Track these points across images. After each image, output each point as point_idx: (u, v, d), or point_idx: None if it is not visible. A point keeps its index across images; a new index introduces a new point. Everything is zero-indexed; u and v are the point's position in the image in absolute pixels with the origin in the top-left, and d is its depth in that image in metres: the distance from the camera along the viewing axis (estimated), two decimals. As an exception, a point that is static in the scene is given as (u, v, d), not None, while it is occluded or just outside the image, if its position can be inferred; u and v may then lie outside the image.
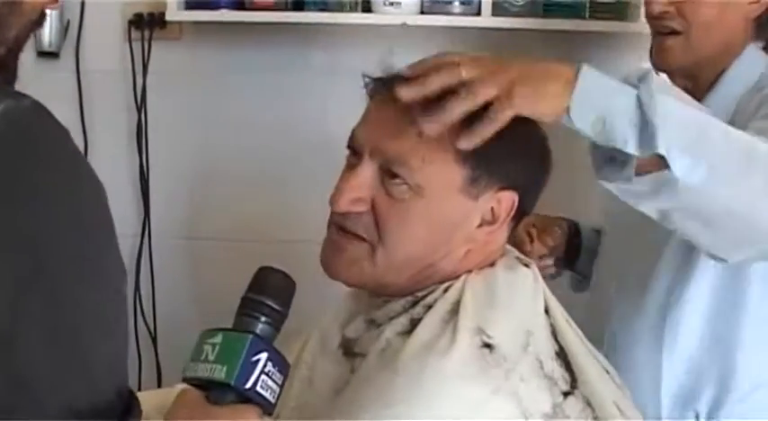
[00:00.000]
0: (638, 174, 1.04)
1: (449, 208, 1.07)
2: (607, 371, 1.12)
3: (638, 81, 1.02)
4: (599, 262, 1.63)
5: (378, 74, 1.11)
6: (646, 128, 0.99)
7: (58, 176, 0.75)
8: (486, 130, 0.99)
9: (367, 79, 1.13)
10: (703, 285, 1.41)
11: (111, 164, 2.15)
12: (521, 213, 1.12)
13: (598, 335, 1.43)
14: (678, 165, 1.01)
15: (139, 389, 2.08)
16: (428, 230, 1.07)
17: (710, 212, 1.10)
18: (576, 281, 1.72)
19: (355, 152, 1.10)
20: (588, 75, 1.01)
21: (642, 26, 1.95)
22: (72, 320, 0.73)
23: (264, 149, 2.14)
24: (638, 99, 1.00)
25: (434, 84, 0.99)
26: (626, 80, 1.03)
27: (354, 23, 1.98)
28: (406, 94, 0.99)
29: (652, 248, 1.45)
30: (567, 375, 1.04)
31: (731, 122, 1.16)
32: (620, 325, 1.49)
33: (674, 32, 1.43)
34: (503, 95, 0.98)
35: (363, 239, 1.08)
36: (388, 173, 1.06)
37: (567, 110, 1.00)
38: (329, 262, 1.11)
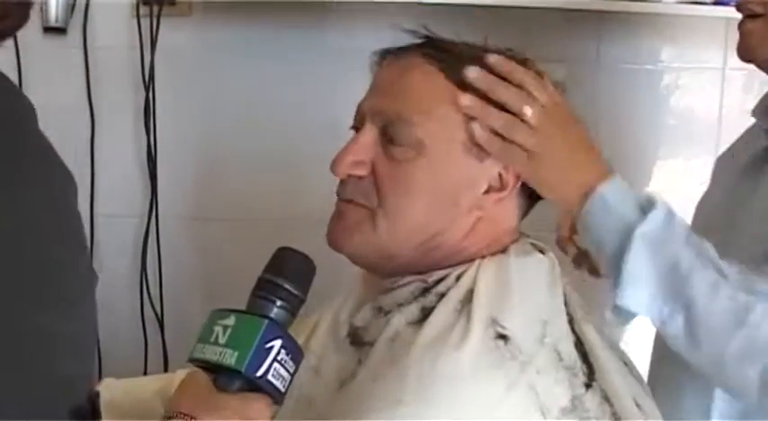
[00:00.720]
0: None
1: (452, 168, 1.04)
2: (626, 364, 1.08)
3: (642, 214, 1.04)
4: None
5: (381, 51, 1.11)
6: (619, 277, 1.04)
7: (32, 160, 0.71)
8: (494, 146, 1.03)
9: (374, 57, 1.11)
10: None
11: (118, 142, 2.12)
12: (532, 191, 1.08)
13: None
14: (644, 309, 1.06)
15: (145, 372, 2.08)
16: (431, 193, 1.04)
17: (699, 363, 1.11)
18: None
19: (359, 125, 1.08)
20: (601, 199, 1.04)
21: (663, 6, 1.92)
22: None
23: (273, 129, 2.10)
24: (624, 243, 1.04)
25: (501, 95, 1.03)
26: (639, 202, 1.06)
27: (369, 1, 1.93)
28: (475, 76, 1.02)
29: None
30: (584, 367, 1.00)
31: None
32: (671, 362, 1.31)
33: (755, 15, 1.26)
34: (529, 158, 1.04)
35: (363, 206, 1.05)
36: (389, 136, 1.04)
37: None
38: (331, 232, 1.08)
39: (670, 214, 1.06)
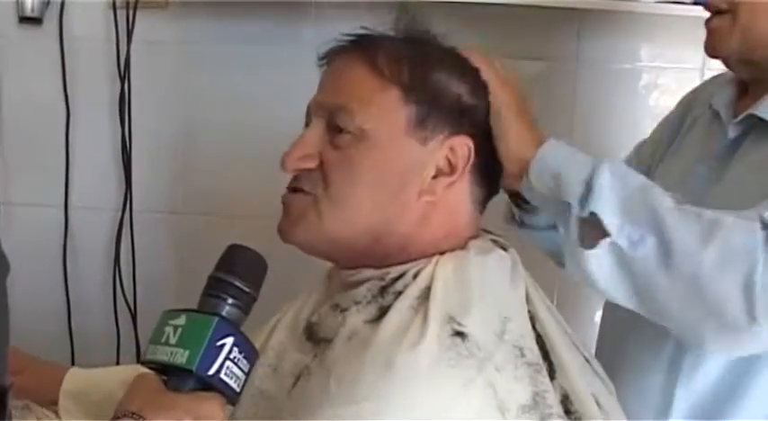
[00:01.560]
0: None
1: (395, 152, 1.05)
2: (588, 362, 1.08)
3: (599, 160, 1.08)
4: None
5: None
6: (588, 189, 1.05)
7: None
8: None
9: (319, 58, 1.15)
10: None
11: (92, 135, 2.10)
12: (485, 173, 1.09)
13: (608, 356, 1.35)
14: (619, 233, 1.04)
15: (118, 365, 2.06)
16: (376, 177, 1.04)
17: (674, 289, 1.06)
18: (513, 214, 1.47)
19: (308, 122, 1.11)
20: (561, 145, 1.11)
21: (642, 5, 1.92)
22: None
23: (250, 123, 2.08)
24: (594, 167, 1.06)
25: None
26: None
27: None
28: None
29: None
30: (545, 364, 1.00)
31: None
32: (635, 347, 1.35)
33: (720, 12, 1.29)
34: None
35: (307, 193, 1.06)
36: (334, 128, 1.05)
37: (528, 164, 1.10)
38: (281, 224, 1.09)
39: (619, 162, 1.14)
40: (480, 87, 1.10)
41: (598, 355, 1.22)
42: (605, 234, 1.05)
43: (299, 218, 1.06)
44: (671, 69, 2.14)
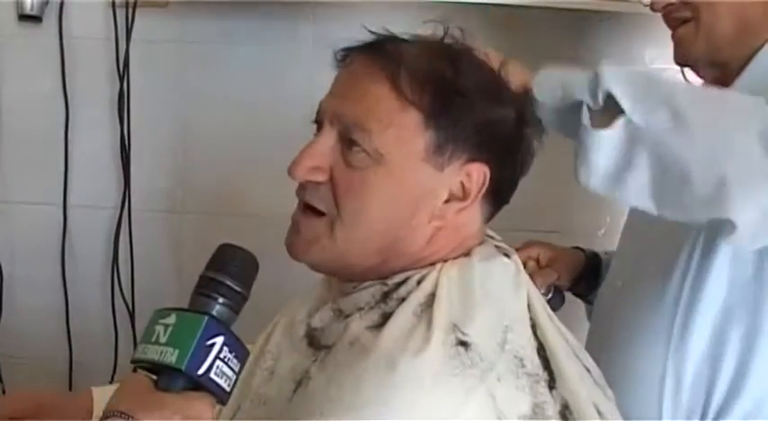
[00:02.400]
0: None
1: (411, 177, 1.02)
2: (588, 371, 1.07)
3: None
4: (612, 262, 1.55)
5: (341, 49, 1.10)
6: (596, 79, 1.08)
7: None
8: None
9: (336, 55, 1.10)
10: (721, 285, 1.30)
11: (92, 133, 2.11)
12: (497, 195, 1.07)
13: (599, 335, 1.38)
14: (632, 109, 1.07)
15: (115, 365, 2.07)
16: (389, 202, 1.02)
17: (691, 157, 1.08)
18: (590, 311, 1.62)
19: (319, 125, 1.07)
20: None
21: (641, 7, 1.90)
22: None
23: (249, 123, 2.08)
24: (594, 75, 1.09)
25: None
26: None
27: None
28: None
29: (669, 244, 1.35)
30: (546, 374, 0.99)
31: None
32: (624, 325, 1.39)
33: (684, 22, 1.35)
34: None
35: (322, 214, 1.03)
36: (347, 141, 1.02)
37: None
38: (290, 242, 1.07)
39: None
40: (503, 115, 1.06)
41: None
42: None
43: (312, 240, 1.04)
44: (673, 70, 2.12)
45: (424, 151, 1.02)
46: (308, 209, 1.05)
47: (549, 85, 1.14)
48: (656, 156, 1.08)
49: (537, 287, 1.48)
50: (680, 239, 1.33)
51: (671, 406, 1.33)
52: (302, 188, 1.06)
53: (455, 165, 1.03)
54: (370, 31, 1.09)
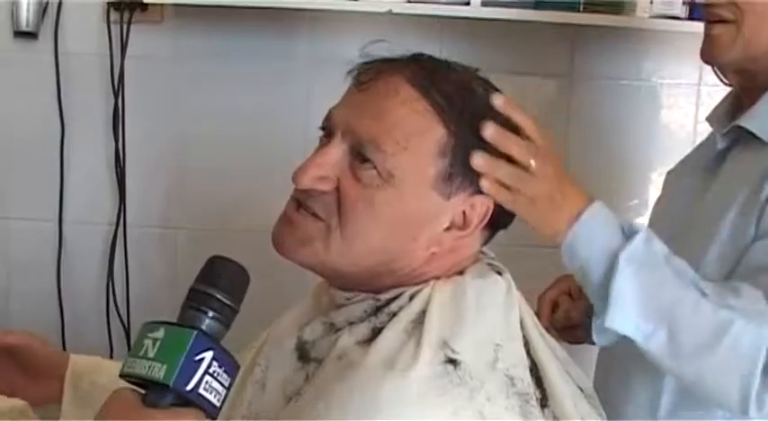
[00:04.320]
0: None
1: (417, 202, 1.01)
2: (581, 390, 1.06)
3: (626, 239, 1.10)
4: None
5: (363, 60, 1.06)
6: (605, 300, 1.09)
7: None
8: (502, 197, 1.04)
9: (353, 64, 1.06)
10: None
11: (87, 149, 2.11)
12: (497, 225, 1.06)
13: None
14: (632, 329, 1.11)
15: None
16: (392, 223, 1.01)
17: (681, 375, 1.16)
18: None
19: (328, 133, 1.04)
20: (585, 226, 1.09)
21: (637, 21, 1.91)
22: None
23: (245, 138, 2.08)
24: (611, 266, 1.09)
25: (512, 150, 1.03)
26: (621, 228, 1.11)
27: (339, 10, 1.91)
28: (491, 135, 1.00)
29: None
30: (537, 392, 0.98)
31: None
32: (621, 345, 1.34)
33: (724, 21, 1.28)
34: (529, 203, 1.06)
35: (320, 219, 1.01)
36: (358, 156, 1.00)
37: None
38: (279, 237, 1.04)
39: (649, 237, 1.11)
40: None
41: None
42: None
43: (305, 241, 1.02)
44: (667, 85, 2.13)
45: (434, 179, 1.00)
46: (303, 208, 1.03)
47: (574, 260, 1.12)
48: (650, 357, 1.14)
49: (573, 319, 1.50)
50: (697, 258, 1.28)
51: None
52: (302, 193, 1.03)
53: (461, 196, 1.02)
54: (365, 47, 1.07)
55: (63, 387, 1.23)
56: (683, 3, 1.91)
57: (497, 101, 1.02)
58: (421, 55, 1.06)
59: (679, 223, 1.36)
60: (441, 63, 1.06)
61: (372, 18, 1.90)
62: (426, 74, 1.02)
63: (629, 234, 1.10)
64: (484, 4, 1.88)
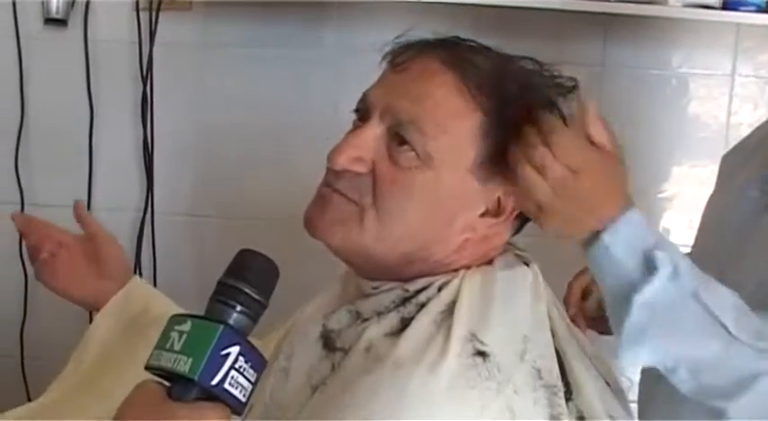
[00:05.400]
0: None
1: (454, 186, 1.00)
2: (608, 384, 1.05)
3: (647, 273, 1.00)
4: None
5: (398, 42, 1.05)
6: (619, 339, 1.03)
7: None
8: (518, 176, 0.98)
9: (389, 47, 1.05)
10: None
11: (115, 136, 2.12)
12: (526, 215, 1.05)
13: None
14: (650, 364, 1.06)
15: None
16: (429, 207, 0.99)
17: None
18: None
19: (363, 115, 1.03)
20: (604, 248, 1.00)
21: (670, 10, 1.89)
22: None
23: (272, 126, 2.08)
24: (625, 305, 1.01)
25: (548, 171, 0.96)
26: (643, 259, 1.00)
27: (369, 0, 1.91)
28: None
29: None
30: (562, 385, 0.97)
31: None
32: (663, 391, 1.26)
33: None
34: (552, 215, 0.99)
35: (353, 201, 1.00)
36: (396, 138, 0.99)
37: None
38: (312, 217, 1.02)
39: (675, 272, 1.01)
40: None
41: None
42: None
43: (338, 222, 1.00)
44: (699, 75, 2.11)
45: (472, 163, 0.99)
46: (337, 191, 1.01)
47: (598, 277, 1.04)
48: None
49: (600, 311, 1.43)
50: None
51: None
52: (335, 175, 1.01)
53: (497, 181, 1.01)
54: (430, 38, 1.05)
55: (117, 291, 1.34)
56: (718, -8, 1.88)
57: (590, 108, 0.98)
58: (457, 38, 1.05)
59: (739, 236, 1.28)
60: (476, 46, 1.04)
61: (403, 6, 1.89)
62: (463, 57, 1.01)
63: (651, 267, 1.00)
64: (515, -7, 1.87)
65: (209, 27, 2.08)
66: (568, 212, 0.99)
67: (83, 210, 1.41)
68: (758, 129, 1.43)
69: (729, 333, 1.02)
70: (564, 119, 1.00)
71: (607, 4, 1.89)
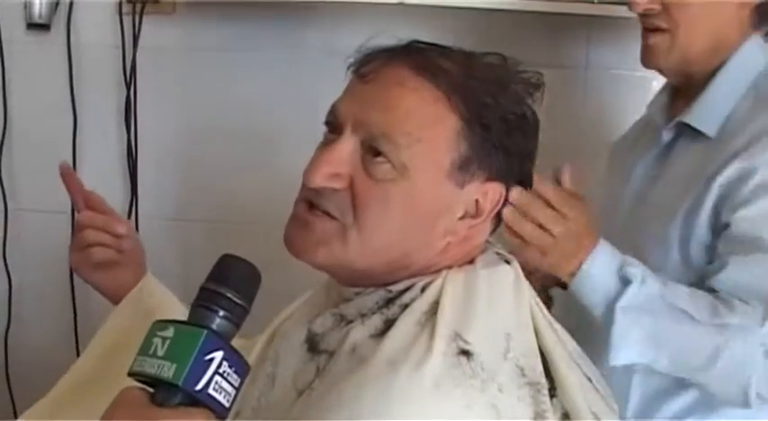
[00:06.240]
0: None
1: (433, 194, 0.99)
2: (589, 379, 1.05)
3: (620, 288, 1.29)
4: None
5: (362, 52, 1.04)
6: (607, 343, 1.29)
7: None
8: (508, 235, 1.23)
9: (354, 56, 1.04)
10: None
11: (99, 141, 2.12)
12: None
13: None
14: (635, 359, 1.30)
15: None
16: (408, 217, 0.99)
17: (688, 380, 1.35)
18: None
19: (335, 128, 1.02)
20: (586, 276, 1.30)
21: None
22: None
23: (255, 130, 2.08)
24: (609, 316, 1.29)
25: (538, 218, 1.25)
26: (618, 276, 1.30)
27: (351, 1, 1.91)
28: (518, 200, 1.09)
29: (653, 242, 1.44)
30: (546, 382, 0.98)
31: (723, 126, 1.39)
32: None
33: (660, 30, 1.41)
34: (542, 254, 1.28)
35: (334, 218, 0.99)
36: (370, 150, 0.98)
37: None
38: (294, 239, 1.02)
39: (643, 280, 1.29)
40: (530, 146, 1.04)
41: None
42: None
43: (322, 242, 1.00)
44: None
45: (449, 169, 0.99)
46: (315, 208, 1.01)
47: (581, 297, 1.32)
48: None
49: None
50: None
51: (638, 404, 1.44)
52: (314, 192, 1.01)
53: (475, 184, 1.01)
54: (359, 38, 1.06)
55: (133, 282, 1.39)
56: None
57: (516, 195, 1.07)
58: (420, 42, 1.05)
59: (634, 211, 1.51)
60: (441, 49, 1.04)
61: (384, 9, 1.89)
62: (432, 62, 1.00)
63: (625, 280, 1.29)
64: (497, -6, 1.87)
65: (192, 31, 2.08)
66: (566, 250, 1.28)
67: (100, 201, 1.41)
68: (641, 119, 1.66)
69: (693, 318, 1.28)
70: (534, 114, 1.04)
71: (591, 5, 1.90)
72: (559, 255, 1.28)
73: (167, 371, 0.81)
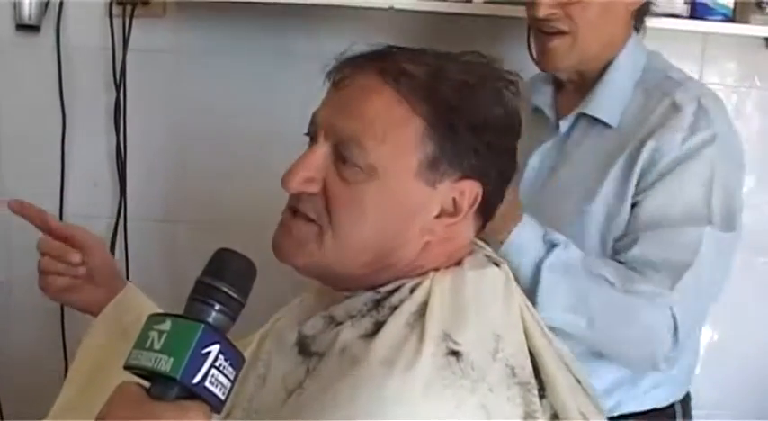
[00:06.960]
0: None
1: (403, 193, 1.01)
2: (578, 381, 1.07)
3: (548, 249, 1.41)
4: None
5: (338, 59, 1.07)
6: (536, 289, 1.40)
7: None
8: None
9: (329, 65, 1.07)
10: None
11: (88, 142, 2.12)
12: (487, 207, 1.07)
13: None
14: (558, 320, 1.35)
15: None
16: (381, 216, 1.01)
17: (598, 347, 1.46)
18: None
19: (313, 136, 1.05)
20: (516, 238, 1.40)
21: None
22: None
23: (244, 133, 2.09)
24: (537, 270, 1.40)
25: None
26: (545, 237, 1.42)
27: (341, 5, 1.92)
28: None
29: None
30: (536, 382, 0.99)
31: (623, 117, 1.51)
32: None
33: (560, 33, 1.48)
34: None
35: (312, 221, 1.02)
36: (340, 156, 1.01)
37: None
38: (279, 244, 1.05)
39: (566, 245, 1.42)
40: (503, 131, 1.05)
41: None
42: None
43: (300, 244, 1.03)
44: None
45: (417, 168, 1.01)
46: (298, 214, 1.04)
47: (509, 256, 1.37)
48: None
49: None
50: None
51: None
52: (295, 196, 1.05)
53: (447, 183, 1.02)
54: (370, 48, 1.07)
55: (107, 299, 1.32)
56: (685, 2, 1.92)
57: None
58: (391, 47, 1.06)
59: (537, 196, 1.57)
60: (412, 52, 1.06)
61: (374, 14, 1.90)
62: (398, 67, 1.02)
63: (551, 243, 1.40)
64: (486, 1, 1.89)
65: (182, 33, 2.09)
66: (495, 228, 1.29)
67: (53, 221, 1.30)
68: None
69: (611, 283, 1.40)
70: (513, 111, 1.06)
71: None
72: (489, 231, 1.21)
73: (164, 364, 0.81)
